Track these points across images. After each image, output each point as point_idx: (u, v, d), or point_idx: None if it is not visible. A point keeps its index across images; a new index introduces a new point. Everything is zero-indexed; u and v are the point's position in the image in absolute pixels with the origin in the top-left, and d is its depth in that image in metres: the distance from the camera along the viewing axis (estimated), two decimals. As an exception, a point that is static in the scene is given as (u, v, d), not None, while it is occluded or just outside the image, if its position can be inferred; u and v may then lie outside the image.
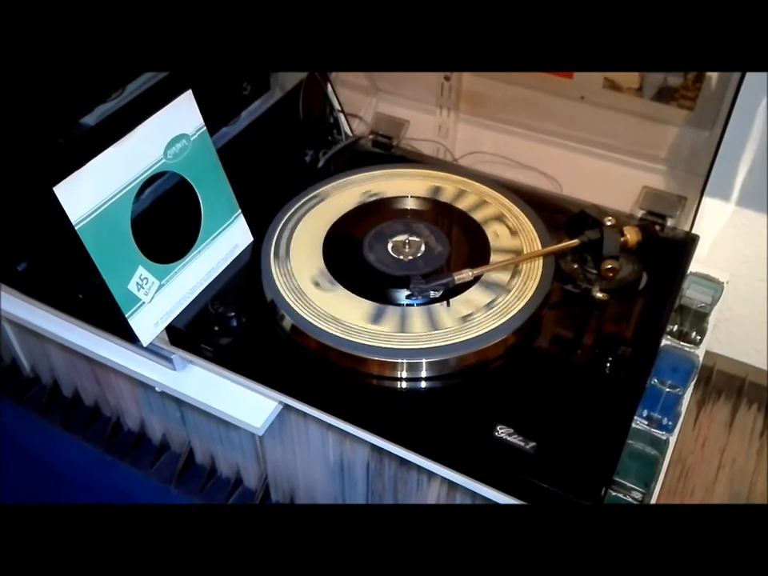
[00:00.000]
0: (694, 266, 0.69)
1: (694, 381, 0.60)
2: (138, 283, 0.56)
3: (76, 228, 0.50)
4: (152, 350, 0.62)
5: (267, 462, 0.75)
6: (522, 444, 0.50)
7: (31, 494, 0.82)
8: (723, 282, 0.69)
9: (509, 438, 0.50)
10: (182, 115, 0.56)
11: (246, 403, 0.62)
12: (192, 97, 0.57)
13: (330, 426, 0.59)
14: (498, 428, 0.51)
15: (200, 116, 0.58)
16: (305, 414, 0.60)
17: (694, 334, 0.63)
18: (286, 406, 0.61)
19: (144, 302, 0.57)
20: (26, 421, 0.88)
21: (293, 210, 0.68)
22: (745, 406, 0.73)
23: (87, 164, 0.50)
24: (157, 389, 0.67)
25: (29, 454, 0.86)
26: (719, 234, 0.71)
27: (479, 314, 0.57)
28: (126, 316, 0.56)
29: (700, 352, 0.62)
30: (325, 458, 0.68)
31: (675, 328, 0.64)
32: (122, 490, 0.83)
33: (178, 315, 0.60)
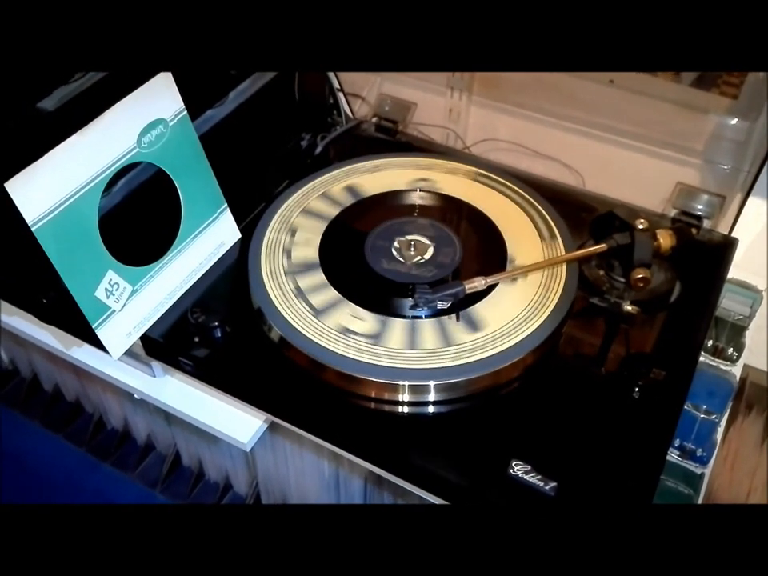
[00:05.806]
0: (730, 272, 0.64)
1: (731, 405, 0.54)
2: (107, 289, 0.52)
3: (32, 229, 0.47)
4: (130, 355, 0.59)
5: (258, 470, 0.73)
6: (541, 484, 0.46)
7: (6, 495, 0.81)
8: (762, 291, 0.64)
9: (525, 477, 0.46)
10: (159, 97, 0.53)
11: (232, 416, 0.61)
12: (170, 76, 0.53)
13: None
14: (513, 464, 0.47)
15: (179, 98, 0.54)
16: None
17: (731, 350, 0.58)
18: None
19: (114, 311, 0.53)
20: (2, 416, 0.87)
21: (286, 203, 0.64)
22: (778, 423, 0.69)
23: (46, 155, 0.47)
24: (136, 396, 0.66)
25: (5, 452, 0.85)
26: (757, 236, 0.67)
27: (493, 329, 0.52)
28: (93, 327, 0.51)
29: (737, 370, 0.58)
30: (319, 471, 0.66)
31: (710, 343, 0.58)
32: (105, 493, 0.83)
33: (154, 324, 0.57)
